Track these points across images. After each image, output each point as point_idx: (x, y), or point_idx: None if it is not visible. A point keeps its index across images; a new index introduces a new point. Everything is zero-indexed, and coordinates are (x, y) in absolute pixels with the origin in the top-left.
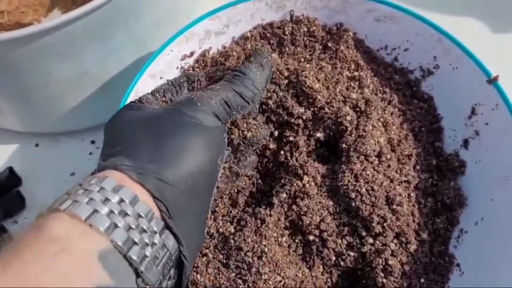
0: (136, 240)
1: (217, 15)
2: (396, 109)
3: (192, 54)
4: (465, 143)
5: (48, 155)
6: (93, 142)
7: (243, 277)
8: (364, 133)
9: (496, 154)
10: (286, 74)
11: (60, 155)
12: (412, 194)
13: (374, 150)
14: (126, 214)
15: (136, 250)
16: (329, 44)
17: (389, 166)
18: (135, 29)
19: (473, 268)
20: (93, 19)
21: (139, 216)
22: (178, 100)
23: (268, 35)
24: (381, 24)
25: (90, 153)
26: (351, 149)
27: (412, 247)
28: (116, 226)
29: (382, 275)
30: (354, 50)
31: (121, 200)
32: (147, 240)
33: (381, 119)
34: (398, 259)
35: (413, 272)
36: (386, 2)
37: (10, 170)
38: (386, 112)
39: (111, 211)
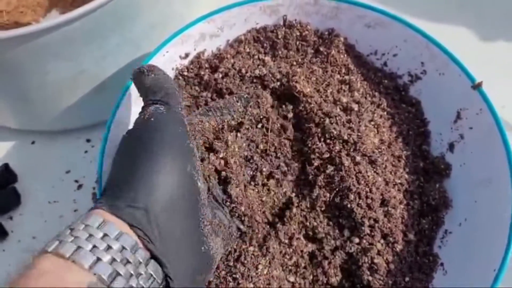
0: (120, 272)
1: (212, 18)
2: (385, 113)
3: (187, 55)
4: (451, 147)
5: (44, 152)
6: (88, 140)
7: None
8: (359, 133)
9: (480, 157)
10: (278, 76)
11: (56, 153)
12: (402, 196)
13: (373, 151)
14: (109, 248)
15: (121, 282)
16: (321, 49)
17: (385, 167)
18: (131, 32)
19: (456, 268)
20: (90, 21)
21: (123, 248)
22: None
23: (262, 38)
24: (371, 30)
25: (86, 152)
26: (351, 149)
27: (399, 247)
28: (99, 259)
29: (368, 273)
30: (345, 55)
31: (105, 235)
32: (132, 271)
33: (372, 122)
34: (384, 258)
35: (398, 270)
36: (376, 9)
37: (6, 166)
38: (376, 115)
39: (95, 246)
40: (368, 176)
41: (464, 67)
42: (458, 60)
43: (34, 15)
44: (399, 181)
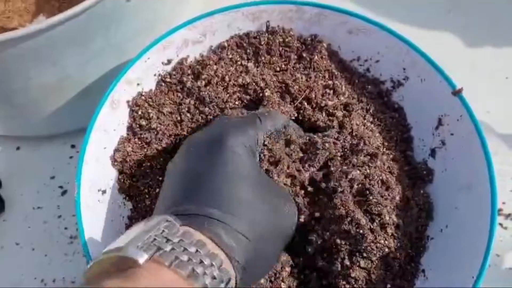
0: None
1: (194, 24)
2: (373, 118)
3: (169, 62)
4: (433, 153)
5: (28, 158)
6: (73, 146)
7: None
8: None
9: (461, 163)
10: (262, 85)
11: (41, 158)
12: (401, 205)
13: (369, 153)
14: (214, 278)
15: None
16: (304, 54)
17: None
18: (116, 37)
19: (436, 274)
20: (74, 25)
21: (221, 282)
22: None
23: (245, 44)
24: (353, 36)
25: (70, 157)
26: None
27: (387, 260)
28: None
29: (344, 282)
30: (328, 61)
31: (212, 265)
32: None
33: (363, 125)
34: (367, 272)
35: (381, 280)
36: (358, 15)
37: None
38: (366, 120)
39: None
40: (375, 176)
41: (444, 74)
42: (438, 66)
43: (21, 20)
44: (396, 189)
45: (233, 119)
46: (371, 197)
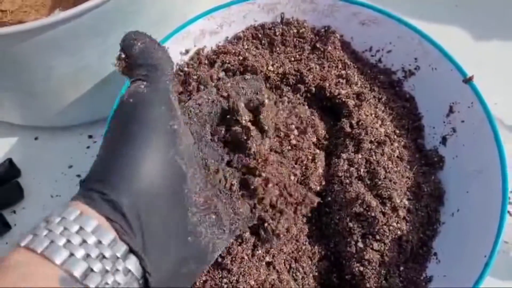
0: (94, 268)
1: (211, 15)
2: (385, 107)
3: (187, 51)
4: (444, 140)
5: (47, 148)
6: (90, 136)
7: None
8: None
9: (471, 149)
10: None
11: (59, 148)
12: (411, 191)
13: (377, 140)
14: (84, 242)
15: (95, 279)
16: (317, 45)
17: (397, 163)
18: (134, 27)
19: (449, 256)
20: (94, 16)
21: (100, 242)
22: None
23: (260, 35)
24: (365, 27)
25: (88, 147)
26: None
27: (400, 243)
28: (72, 255)
29: (358, 264)
30: (341, 51)
31: (81, 229)
32: (108, 267)
33: (373, 114)
34: (380, 254)
35: (394, 263)
36: (370, 6)
37: (10, 161)
38: (378, 109)
39: (69, 241)
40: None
41: (456, 62)
42: (450, 55)
43: (38, 15)
44: (407, 175)
45: None
46: (379, 182)
